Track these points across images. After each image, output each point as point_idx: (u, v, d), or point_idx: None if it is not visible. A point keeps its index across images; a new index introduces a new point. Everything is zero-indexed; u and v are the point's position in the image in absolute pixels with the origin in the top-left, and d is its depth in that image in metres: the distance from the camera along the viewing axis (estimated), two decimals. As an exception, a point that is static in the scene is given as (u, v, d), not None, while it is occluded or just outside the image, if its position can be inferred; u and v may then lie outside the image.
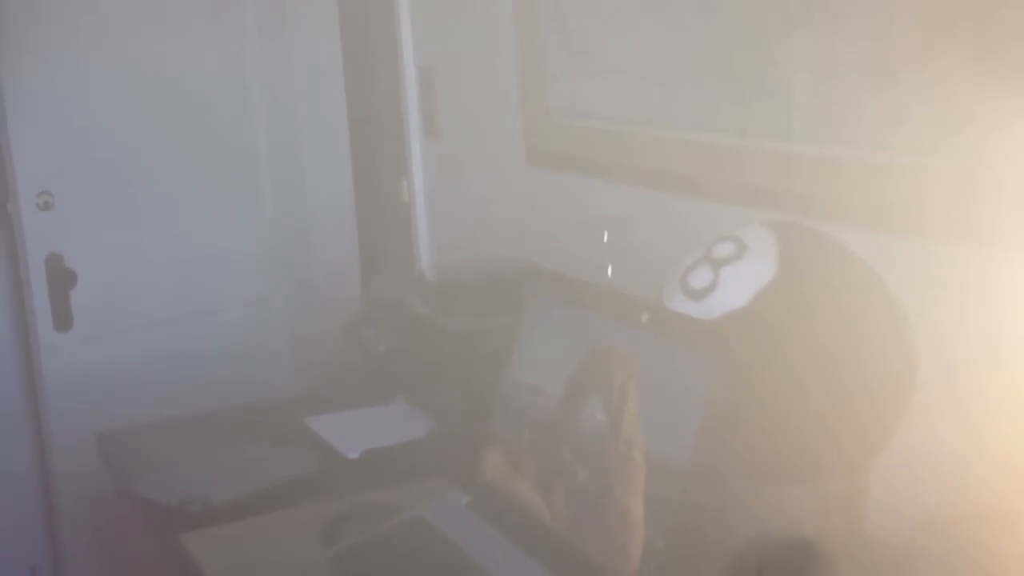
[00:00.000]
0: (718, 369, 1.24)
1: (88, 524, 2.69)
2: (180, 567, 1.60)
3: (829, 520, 1.30)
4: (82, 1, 2.64)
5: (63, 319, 2.63)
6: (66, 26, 2.60)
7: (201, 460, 1.90)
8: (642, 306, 1.38)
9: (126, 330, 2.73)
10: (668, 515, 1.26)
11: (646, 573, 1.27)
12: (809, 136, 1.53)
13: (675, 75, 1.78)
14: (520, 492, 1.48)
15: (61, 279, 2.61)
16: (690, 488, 1.25)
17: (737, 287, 1.30)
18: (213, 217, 2.92)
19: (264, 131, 3.03)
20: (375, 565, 1.50)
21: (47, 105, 2.57)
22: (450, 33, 2.50)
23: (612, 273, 1.85)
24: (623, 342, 1.38)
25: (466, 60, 2.45)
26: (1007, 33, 1.24)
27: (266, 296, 3.05)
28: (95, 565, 2.74)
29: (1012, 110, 1.23)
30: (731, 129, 1.67)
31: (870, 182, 1.43)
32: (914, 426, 1.29)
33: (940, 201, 1.33)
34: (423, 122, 2.63)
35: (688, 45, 1.74)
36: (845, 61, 1.46)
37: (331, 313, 2.73)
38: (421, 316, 2.04)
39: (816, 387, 1.24)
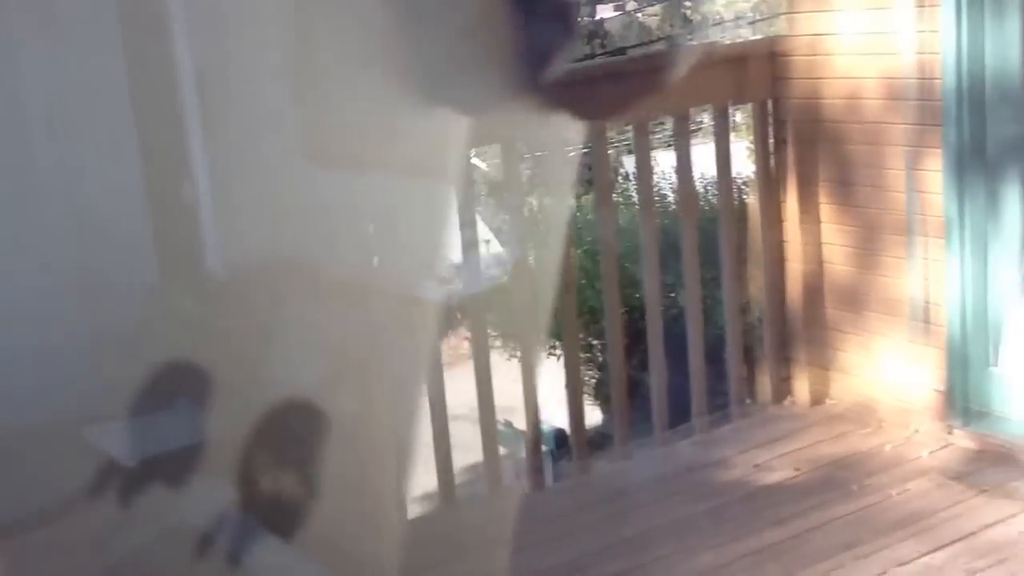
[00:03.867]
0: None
1: None
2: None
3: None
4: None
5: None
6: None
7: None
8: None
9: None
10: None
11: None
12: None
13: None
14: (276, 484, 1.50)
15: None
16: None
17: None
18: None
19: (45, 152, 2.94)
20: (144, 572, 1.50)
21: None
22: (225, 37, 2.48)
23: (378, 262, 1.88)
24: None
25: (243, 61, 2.44)
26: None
27: (54, 314, 2.96)
28: None
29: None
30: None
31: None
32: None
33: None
34: (203, 125, 2.61)
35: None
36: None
37: (122, 323, 2.69)
38: (201, 319, 2.03)
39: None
